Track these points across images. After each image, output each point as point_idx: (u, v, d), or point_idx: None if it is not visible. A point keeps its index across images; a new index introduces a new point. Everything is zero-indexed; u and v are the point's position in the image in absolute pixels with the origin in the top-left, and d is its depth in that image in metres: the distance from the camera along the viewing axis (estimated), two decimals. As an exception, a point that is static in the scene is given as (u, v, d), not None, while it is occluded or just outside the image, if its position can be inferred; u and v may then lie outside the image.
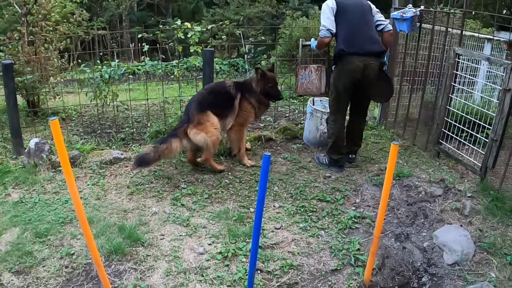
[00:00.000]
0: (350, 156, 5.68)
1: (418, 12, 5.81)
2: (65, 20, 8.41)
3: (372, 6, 5.37)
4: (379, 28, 5.30)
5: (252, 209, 4.53)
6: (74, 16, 8.45)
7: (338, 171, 5.49)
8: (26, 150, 5.54)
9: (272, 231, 4.16)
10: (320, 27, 5.24)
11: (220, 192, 4.91)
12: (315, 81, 5.76)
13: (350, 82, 5.19)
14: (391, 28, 5.34)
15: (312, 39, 5.77)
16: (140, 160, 4.99)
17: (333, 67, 5.39)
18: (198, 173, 5.33)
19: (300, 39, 5.80)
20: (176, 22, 6.34)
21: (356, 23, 5.19)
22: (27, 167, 5.35)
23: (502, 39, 8.45)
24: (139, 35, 6.58)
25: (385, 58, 5.60)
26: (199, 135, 5.06)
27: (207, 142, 5.09)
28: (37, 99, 7.46)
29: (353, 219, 4.38)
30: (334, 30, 5.16)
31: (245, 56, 15.53)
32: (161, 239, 4.01)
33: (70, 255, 3.74)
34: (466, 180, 4.92)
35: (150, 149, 5.03)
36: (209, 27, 7.14)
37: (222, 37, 12.48)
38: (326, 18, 5.18)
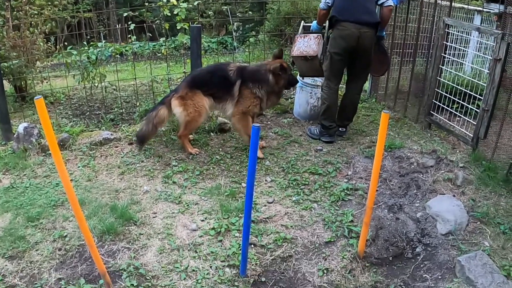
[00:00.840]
0: (340, 129, 5.67)
1: (407, -15, 5.78)
2: (49, 3, 8.25)
3: None
4: (380, 1, 5.25)
5: (243, 184, 4.52)
6: (60, -1, 8.30)
7: (328, 141, 5.53)
8: (15, 136, 5.48)
9: (265, 205, 4.17)
10: None
11: (211, 168, 4.89)
12: (313, 45, 5.68)
13: (345, 48, 5.22)
14: (392, 4, 5.27)
15: (314, 22, 5.71)
16: (138, 138, 5.19)
17: (330, 34, 5.40)
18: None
19: (302, 21, 5.72)
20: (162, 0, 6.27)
21: None
22: (17, 152, 5.30)
23: (492, 10, 8.41)
24: (125, 14, 6.48)
25: (383, 33, 5.55)
26: (178, 108, 5.06)
27: (183, 118, 5.07)
28: (25, 84, 7.36)
29: (345, 191, 4.39)
30: (331, 2, 5.24)
31: (234, 33, 15.41)
32: (154, 217, 4.01)
33: (63, 238, 3.73)
34: (458, 151, 4.94)
35: (142, 124, 5.24)
36: (196, 3, 7.06)
37: (209, 13, 12.34)
38: None
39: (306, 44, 5.51)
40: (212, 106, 5.22)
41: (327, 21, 5.38)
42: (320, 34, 5.60)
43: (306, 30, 5.78)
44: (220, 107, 5.24)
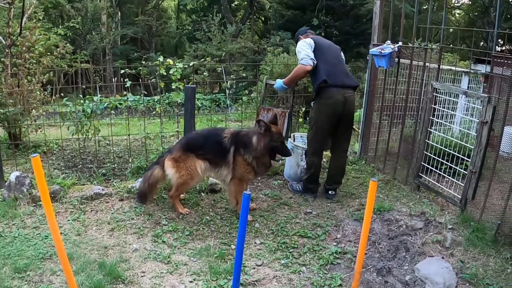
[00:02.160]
0: (329, 192, 5.74)
1: (396, 48, 5.95)
2: (48, 53, 8.40)
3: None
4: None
5: (233, 246, 4.51)
6: (58, 49, 8.45)
7: (312, 197, 5.68)
8: (6, 183, 5.48)
9: (254, 268, 4.15)
10: (302, 57, 5.39)
11: (201, 229, 4.89)
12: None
13: (331, 116, 5.37)
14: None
15: (278, 80, 5.83)
16: (138, 196, 5.33)
17: (311, 103, 5.54)
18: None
19: (265, 77, 5.80)
20: (158, 58, 6.40)
21: (333, 60, 5.51)
22: (7, 200, 5.29)
23: (479, 71, 8.62)
24: (122, 71, 6.61)
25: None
26: (171, 169, 5.08)
27: (175, 180, 5.09)
28: (19, 132, 7.41)
29: (334, 254, 4.39)
30: (315, 61, 5.35)
31: (227, 91, 15.64)
32: (142, 276, 3.97)
33: (50, 292, 3.68)
34: (446, 212, 4.98)
35: (140, 182, 5.28)
36: (191, 64, 7.20)
37: (204, 73, 12.60)
38: (307, 49, 5.40)
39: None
40: (208, 170, 5.18)
41: (315, 88, 5.42)
42: (285, 111, 5.76)
43: (270, 87, 5.87)
44: (215, 172, 5.22)
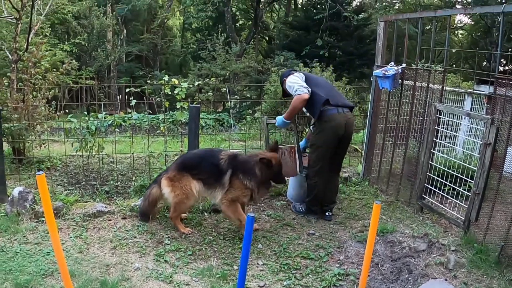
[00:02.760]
0: (327, 214, 5.75)
1: (400, 70, 5.98)
2: (54, 69, 8.46)
3: None
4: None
5: (235, 267, 4.50)
6: (64, 65, 8.51)
7: (314, 218, 5.72)
8: (9, 198, 5.49)
9: (256, 289, 4.13)
10: (296, 88, 5.41)
11: (203, 249, 4.88)
12: (290, 163, 5.83)
13: (333, 139, 5.41)
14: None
15: (278, 117, 5.83)
16: (140, 214, 5.45)
17: (311, 127, 5.57)
18: (182, 229, 5.30)
19: (264, 117, 5.81)
20: (163, 78, 6.44)
21: (327, 84, 5.78)
22: (10, 215, 5.29)
23: (482, 92, 8.64)
24: (128, 90, 6.64)
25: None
26: (167, 189, 5.12)
27: (171, 199, 5.12)
28: (23, 147, 7.42)
29: (337, 276, 4.37)
30: (310, 89, 5.39)
31: (231, 111, 15.69)
32: (144, 296, 3.96)
33: (50, 310, 3.67)
34: (449, 234, 4.97)
35: (141, 200, 5.40)
36: (196, 84, 7.25)
37: (209, 92, 12.66)
38: (299, 81, 5.48)
39: (283, 163, 5.55)
40: (202, 191, 5.16)
41: (317, 112, 5.42)
42: (293, 146, 5.82)
43: (271, 126, 5.87)
44: (209, 194, 5.22)
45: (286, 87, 5.68)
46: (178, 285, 4.12)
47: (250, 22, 29.00)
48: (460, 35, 32.26)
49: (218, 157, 5.09)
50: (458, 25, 29.46)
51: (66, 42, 23.20)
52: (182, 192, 5.05)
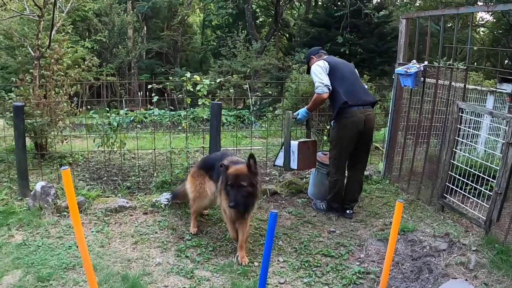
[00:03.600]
0: (348, 212, 5.73)
1: (422, 68, 5.93)
2: (76, 65, 8.56)
3: None
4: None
5: (256, 263, 4.51)
6: (85, 61, 8.60)
7: (335, 216, 5.69)
8: (32, 193, 5.57)
9: (276, 286, 4.14)
10: (317, 84, 5.40)
11: (224, 245, 4.90)
12: (312, 157, 5.86)
13: (354, 135, 5.38)
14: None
15: (300, 111, 5.81)
16: (172, 194, 5.70)
17: (331, 122, 5.53)
18: (203, 225, 5.34)
19: (289, 112, 5.79)
20: (185, 74, 6.47)
21: (350, 78, 5.55)
22: (32, 209, 5.37)
23: (504, 91, 8.53)
24: (149, 86, 6.68)
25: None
26: (188, 184, 5.16)
27: (189, 194, 5.13)
28: (45, 142, 7.52)
29: (357, 274, 4.35)
30: (331, 87, 5.37)
31: (251, 108, 15.69)
32: (165, 290, 3.98)
33: (72, 302, 3.72)
34: (470, 234, 4.92)
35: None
36: (218, 80, 7.27)
37: (230, 90, 12.68)
38: (321, 75, 5.39)
39: (306, 156, 5.69)
40: (214, 192, 4.90)
41: (335, 110, 5.42)
42: (315, 140, 5.82)
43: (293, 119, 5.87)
44: (215, 196, 4.94)
45: (311, 68, 5.64)
46: (199, 281, 4.15)
47: (271, 19, 28.99)
48: (481, 33, 31.89)
49: (222, 161, 4.71)
50: (480, 22, 29.13)
51: (87, 39, 23.41)
52: (197, 190, 5.04)
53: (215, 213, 5.62)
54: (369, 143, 5.76)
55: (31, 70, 7.93)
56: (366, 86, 6.03)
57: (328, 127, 7.94)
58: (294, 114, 5.82)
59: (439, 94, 6.13)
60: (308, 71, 5.85)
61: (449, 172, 5.45)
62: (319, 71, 5.40)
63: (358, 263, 4.60)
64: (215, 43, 29.82)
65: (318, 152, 6.15)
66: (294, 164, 5.74)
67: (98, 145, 6.85)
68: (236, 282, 4.11)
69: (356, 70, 5.80)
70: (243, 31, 22.25)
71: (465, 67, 5.77)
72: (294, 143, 5.68)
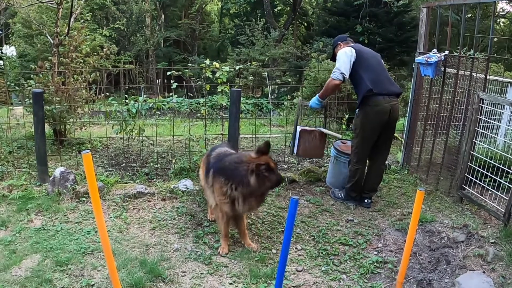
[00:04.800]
0: (366, 201, 5.70)
1: (442, 57, 5.87)
2: (94, 53, 8.61)
3: None
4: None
5: (274, 250, 4.52)
6: (104, 49, 8.65)
7: (354, 205, 5.68)
8: (51, 178, 5.63)
9: (294, 273, 4.14)
10: (334, 69, 5.39)
11: (242, 231, 4.90)
12: (317, 147, 5.86)
13: (378, 124, 5.33)
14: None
15: (314, 99, 5.79)
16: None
17: (356, 110, 5.49)
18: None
19: (299, 98, 5.76)
20: (204, 61, 6.47)
21: (376, 67, 5.49)
22: (51, 195, 5.45)
23: (525, 82, 8.44)
24: (168, 73, 6.69)
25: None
26: (200, 170, 5.08)
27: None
28: (64, 129, 7.59)
29: (375, 263, 4.34)
30: (347, 76, 5.36)
31: (269, 96, 15.67)
32: (182, 276, 4.01)
33: (90, 286, 3.77)
34: (489, 226, 4.88)
35: None
36: (237, 67, 7.26)
37: (249, 77, 12.67)
38: (343, 63, 5.36)
39: (311, 144, 5.76)
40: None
41: (360, 97, 5.37)
42: (321, 130, 5.88)
43: (305, 107, 5.83)
44: (205, 189, 4.76)
45: (336, 54, 5.60)
46: (217, 267, 4.16)
47: (289, 7, 28.80)
48: (502, 24, 31.39)
49: (210, 154, 4.67)
50: (500, 13, 28.69)
51: (105, 27, 23.51)
52: (202, 178, 4.91)
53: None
54: (392, 133, 5.70)
55: (50, 58, 7.99)
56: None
57: (347, 116, 7.91)
58: (306, 102, 5.81)
59: (460, 84, 6.07)
60: (333, 58, 5.78)
61: (469, 163, 5.40)
62: (343, 59, 5.37)
63: (376, 253, 4.58)
64: (233, 32, 29.74)
65: (337, 141, 6.14)
66: (295, 149, 5.82)
67: (117, 131, 6.90)
68: (254, 269, 4.11)
69: (382, 60, 5.74)
70: (261, 20, 22.11)
71: (486, 57, 5.69)
72: (298, 129, 5.70)
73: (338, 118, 8.25)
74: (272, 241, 4.72)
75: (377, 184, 5.82)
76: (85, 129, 7.84)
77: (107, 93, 8.27)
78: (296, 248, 4.59)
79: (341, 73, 5.32)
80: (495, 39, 21.68)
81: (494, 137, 6.42)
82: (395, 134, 8.32)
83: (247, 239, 4.60)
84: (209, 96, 7.22)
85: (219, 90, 6.39)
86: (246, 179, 4.11)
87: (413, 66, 6.80)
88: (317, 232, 4.94)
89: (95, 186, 2.82)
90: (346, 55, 5.38)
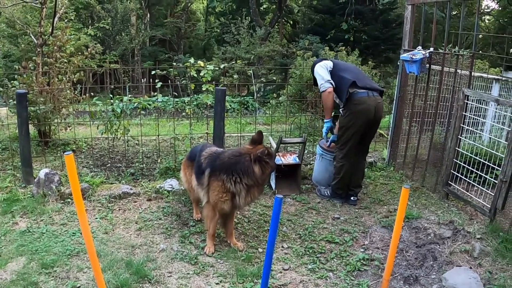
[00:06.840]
0: (352, 198, 5.73)
1: (427, 54, 5.89)
2: (79, 53, 8.54)
3: None
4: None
5: (260, 249, 4.51)
6: (88, 49, 8.57)
7: (340, 202, 5.71)
8: (35, 180, 5.58)
9: (280, 272, 4.14)
10: (319, 84, 5.46)
11: (228, 231, 4.88)
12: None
13: (363, 122, 5.35)
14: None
15: (323, 129, 5.92)
16: None
17: (340, 109, 5.51)
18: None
19: (281, 136, 5.96)
20: (189, 60, 6.44)
21: (355, 69, 5.75)
22: (36, 196, 5.40)
23: (510, 79, 8.49)
24: (153, 72, 6.66)
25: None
26: (181, 173, 5.21)
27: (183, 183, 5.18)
28: (49, 129, 7.52)
29: (361, 261, 4.35)
30: (332, 81, 5.40)
31: (255, 94, 15.67)
32: (169, 276, 3.99)
33: (76, 289, 3.72)
34: (475, 222, 4.90)
35: None
36: (222, 66, 7.24)
37: (234, 76, 12.68)
38: (322, 73, 5.47)
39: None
40: (195, 185, 4.67)
41: (344, 95, 5.36)
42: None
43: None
44: (196, 190, 4.70)
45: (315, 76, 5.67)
46: (203, 267, 4.15)
47: (274, 6, 28.85)
48: (487, 21, 31.63)
49: (201, 154, 4.60)
50: (485, 10, 28.89)
51: (90, 27, 23.38)
52: (188, 181, 4.92)
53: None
54: (375, 131, 5.80)
55: (34, 58, 7.91)
56: (371, 74, 6.03)
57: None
58: (287, 140, 6.30)
59: (445, 81, 6.10)
60: (315, 83, 5.78)
61: (454, 160, 5.43)
62: (321, 71, 5.47)
63: (362, 250, 4.59)
64: (218, 30, 29.76)
65: (321, 140, 6.15)
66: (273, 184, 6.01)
67: (102, 132, 6.84)
68: (240, 268, 4.10)
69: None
70: (246, 18, 22.13)
71: (471, 54, 5.72)
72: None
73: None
74: (258, 240, 4.72)
75: (361, 179, 5.86)
76: (70, 129, 7.77)
77: (92, 93, 8.20)
78: (282, 247, 4.59)
79: (326, 81, 5.38)
80: (480, 36, 21.84)
81: (480, 133, 6.45)
82: (381, 131, 8.38)
83: (233, 239, 4.60)
84: (194, 95, 7.17)
85: (204, 89, 6.36)
86: (250, 169, 4.24)
87: (398, 64, 6.82)
88: (304, 230, 4.94)
89: (78, 187, 2.78)
90: (321, 67, 5.49)
